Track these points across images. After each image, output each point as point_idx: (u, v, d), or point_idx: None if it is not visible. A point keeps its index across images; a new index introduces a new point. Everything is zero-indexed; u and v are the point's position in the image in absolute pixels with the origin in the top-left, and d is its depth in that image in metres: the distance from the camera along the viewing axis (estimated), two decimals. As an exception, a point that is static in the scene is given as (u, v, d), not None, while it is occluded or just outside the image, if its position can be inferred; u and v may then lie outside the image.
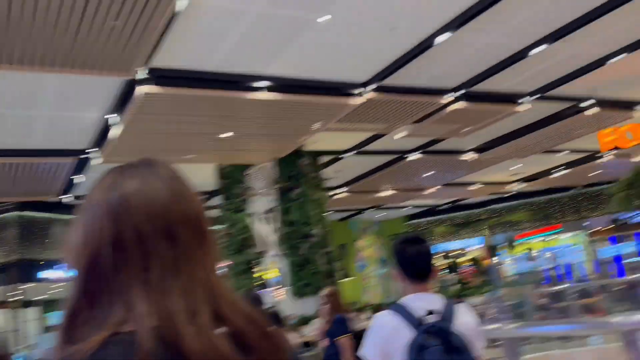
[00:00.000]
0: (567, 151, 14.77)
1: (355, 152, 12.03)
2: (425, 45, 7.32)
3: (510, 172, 16.75)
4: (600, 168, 17.07)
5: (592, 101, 10.54)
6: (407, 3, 6.34)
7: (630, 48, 8.49)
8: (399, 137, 10.59)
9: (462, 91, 9.12)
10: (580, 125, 11.41)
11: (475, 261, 20.08)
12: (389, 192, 16.27)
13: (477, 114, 9.87)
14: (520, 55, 8.11)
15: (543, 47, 7.86)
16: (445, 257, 20.86)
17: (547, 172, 17.37)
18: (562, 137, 12.49)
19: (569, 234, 21.63)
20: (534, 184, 18.67)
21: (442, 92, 9.03)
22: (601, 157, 15.40)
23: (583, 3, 6.92)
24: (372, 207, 19.29)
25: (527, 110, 10.15)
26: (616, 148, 10.05)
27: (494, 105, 9.70)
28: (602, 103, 10.62)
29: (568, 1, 6.80)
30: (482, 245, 22.56)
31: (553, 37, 7.64)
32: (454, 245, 22.73)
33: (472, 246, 22.82)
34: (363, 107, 8.66)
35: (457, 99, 9.20)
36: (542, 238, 20.61)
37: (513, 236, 20.46)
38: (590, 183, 20.10)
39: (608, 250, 21.00)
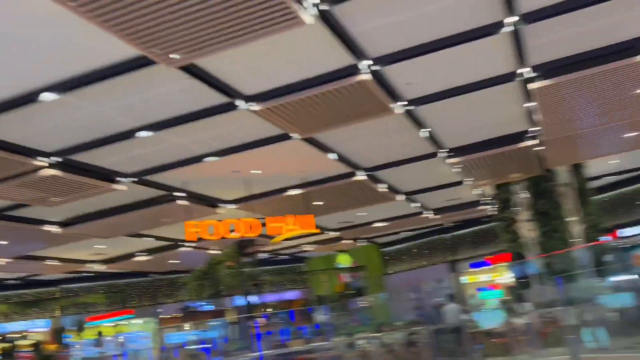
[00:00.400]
0: (152, 238, 15.21)
1: None
2: (26, 100, 6.57)
3: (93, 250, 16.13)
4: (179, 257, 18.16)
5: (184, 193, 11.27)
6: (11, 49, 5.62)
7: (221, 153, 9.51)
8: (-29, 194, 8.98)
9: (59, 158, 8.47)
10: (170, 213, 11.98)
11: (36, 345, 17.99)
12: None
13: (71, 185, 9.25)
14: (126, 135, 8.10)
15: (150, 132, 8.08)
16: (3, 340, 18.00)
17: (130, 255, 17.43)
18: (151, 223, 12.84)
19: (141, 320, 21.80)
20: (115, 266, 18.40)
21: (35, 153, 8.18)
22: (183, 246, 16.44)
23: (191, 102, 7.48)
24: None
25: (123, 190, 10.10)
26: (199, 239, 10.87)
27: (90, 179, 9.30)
28: (192, 196, 11.47)
29: (180, 97, 7.24)
30: (48, 327, 20.58)
31: (160, 125, 7.94)
32: (16, 326, 20.04)
33: (38, 328, 20.53)
34: None
35: (51, 166, 8.46)
36: (115, 323, 20.16)
37: (84, 319, 19.37)
38: (169, 270, 21.08)
39: (174, 337, 22.01)
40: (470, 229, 21.36)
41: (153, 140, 8.37)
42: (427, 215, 17.76)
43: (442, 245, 22.40)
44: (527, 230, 13.77)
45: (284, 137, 8.96)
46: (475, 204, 16.84)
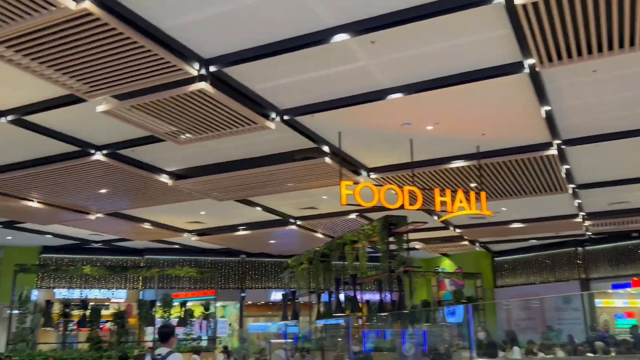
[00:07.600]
0: (260, 207, 13.19)
1: None
2: None
3: (191, 218, 14.29)
4: (277, 237, 16.12)
5: (329, 149, 9.07)
6: None
7: (411, 87, 7.20)
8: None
9: (214, 67, 6.41)
10: (306, 173, 9.82)
11: (118, 316, 16.17)
12: (36, 204, 11.78)
13: (215, 113, 7.19)
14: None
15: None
16: (84, 306, 16.21)
17: (229, 229, 15.50)
18: (277, 184, 10.61)
19: (220, 303, 19.75)
20: (207, 239, 16.52)
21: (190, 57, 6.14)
22: (294, 223, 14.42)
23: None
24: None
25: (262, 135, 8.01)
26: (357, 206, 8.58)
27: (243, 108, 7.18)
28: (341, 155, 9.15)
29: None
30: (129, 298, 19.04)
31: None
32: (97, 293, 18.60)
33: (119, 298, 18.97)
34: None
35: (201, 77, 6.41)
36: (200, 302, 18.16)
37: (170, 294, 17.48)
38: (260, 252, 19.21)
39: (256, 327, 20.06)
40: (612, 244, 18.25)
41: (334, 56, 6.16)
42: (577, 220, 14.92)
43: (569, 259, 19.37)
44: None
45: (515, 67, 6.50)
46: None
